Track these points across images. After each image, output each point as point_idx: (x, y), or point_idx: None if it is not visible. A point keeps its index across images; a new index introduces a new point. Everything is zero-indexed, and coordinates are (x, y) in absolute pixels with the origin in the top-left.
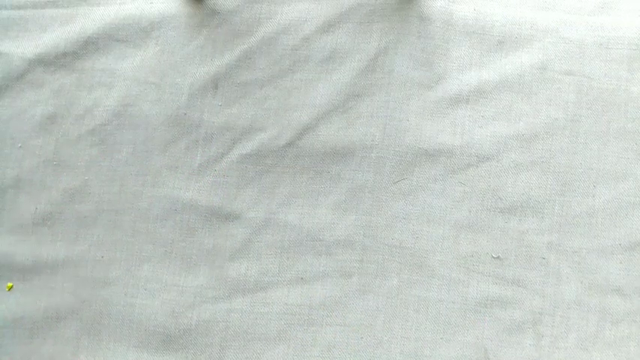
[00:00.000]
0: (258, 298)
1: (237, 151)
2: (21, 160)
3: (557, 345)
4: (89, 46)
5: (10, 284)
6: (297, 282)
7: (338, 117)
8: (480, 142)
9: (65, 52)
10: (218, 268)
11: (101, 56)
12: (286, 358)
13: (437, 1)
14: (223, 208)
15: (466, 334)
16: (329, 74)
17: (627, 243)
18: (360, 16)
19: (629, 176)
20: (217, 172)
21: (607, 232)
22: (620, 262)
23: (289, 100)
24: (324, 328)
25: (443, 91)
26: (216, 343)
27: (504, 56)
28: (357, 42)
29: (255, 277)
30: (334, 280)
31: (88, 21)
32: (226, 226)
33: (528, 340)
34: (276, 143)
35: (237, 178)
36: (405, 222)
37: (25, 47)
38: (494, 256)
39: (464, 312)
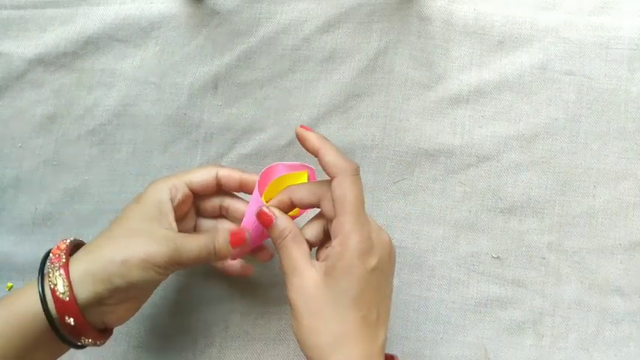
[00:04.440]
0: (258, 298)
1: (237, 151)
2: (21, 160)
3: (557, 345)
4: (89, 46)
5: (10, 284)
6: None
7: (338, 117)
8: (480, 142)
9: (65, 52)
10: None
11: (101, 56)
12: (286, 358)
13: (437, 1)
14: None
15: (466, 334)
16: (329, 74)
17: (627, 243)
18: (360, 16)
19: (629, 176)
20: None
21: (607, 232)
22: (620, 262)
23: (289, 100)
24: None
25: (443, 91)
26: (216, 343)
27: (504, 56)
28: (357, 42)
29: (255, 277)
30: None
31: (88, 21)
32: None
33: (528, 340)
34: (276, 143)
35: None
36: (405, 222)
37: (25, 47)
38: (494, 256)
39: (464, 312)
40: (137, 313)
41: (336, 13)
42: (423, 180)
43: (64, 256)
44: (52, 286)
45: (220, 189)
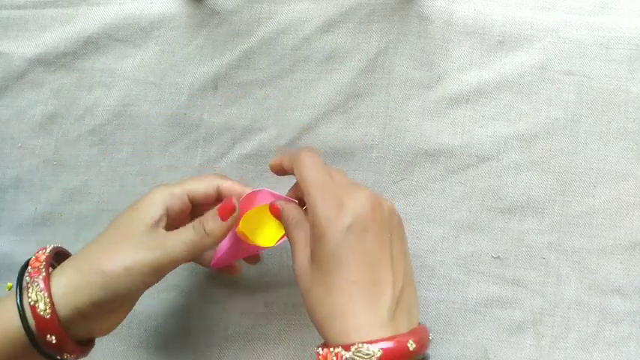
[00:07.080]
0: (258, 298)
1: (237, 151)
2: (21, 160)
3: (557, 345)
4: (89, 45)
5: (10, 284)
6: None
7: (338, 117)
8: (480, 142)
9: (65, 52)
10: None
11: (101, 56)
12: (286, 358)
13: (437, 1)
14: None
15: (466, 334)
16: (329, 74)
17: (627, 243)
18: (360, 16)
19: (629, 176)
20: (217, 172)
21: (607, 232)
22: (620, 262)
23: (289, 100)
24: None
25: (443, 91)
26: (216, 344)
27: (504, 56)
28: (357, 42)
29: (255, 277)
30: None
31: (88, 21)
32: None
33: (528, 340)
34: (276, 143)
35: (237, 178)
36: (405, 222)
37: (25, 47)
38: (494, 256)
39: (464, 312)
40: (137, 314)
41: (336, 13)
42: (423, 180)
43: (44, 270)
44: (32, 303)
45: (220, 200)
